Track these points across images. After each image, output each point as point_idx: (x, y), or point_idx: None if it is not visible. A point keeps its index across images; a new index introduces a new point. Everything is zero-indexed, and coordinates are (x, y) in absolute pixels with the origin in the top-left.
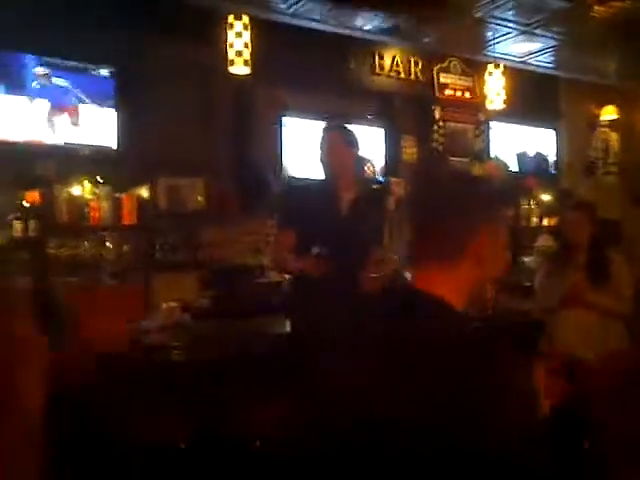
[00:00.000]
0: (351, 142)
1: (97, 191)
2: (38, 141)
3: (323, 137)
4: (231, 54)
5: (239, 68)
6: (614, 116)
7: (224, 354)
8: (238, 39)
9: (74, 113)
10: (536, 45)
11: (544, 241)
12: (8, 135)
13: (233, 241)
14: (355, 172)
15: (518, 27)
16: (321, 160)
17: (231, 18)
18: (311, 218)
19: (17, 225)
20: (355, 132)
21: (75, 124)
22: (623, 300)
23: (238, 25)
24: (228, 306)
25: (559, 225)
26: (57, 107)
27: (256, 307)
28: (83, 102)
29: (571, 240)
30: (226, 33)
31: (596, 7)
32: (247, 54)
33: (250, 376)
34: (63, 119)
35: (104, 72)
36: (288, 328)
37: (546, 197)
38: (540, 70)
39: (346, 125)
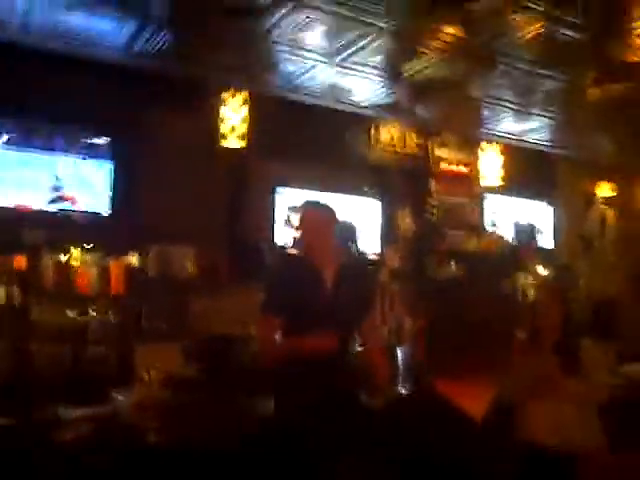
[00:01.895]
0: (327, 218)
1: (86, 258)
2: (28, 207)
3: (299, 216)
4: (223, 128)
5: (232, 142)
6: (610, 193)
7: (204, 439)
8: (233, 114)
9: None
10: (532, 124)
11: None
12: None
13: (222, 311)
14: (333, 246)
15: (514, 106)
16: (300, 238)
17: (225, 95)
18: (294, 295)
19: (1, 291)
20: (332, 207)
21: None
22: (596, 388)
23: (232, 101)
24: (214, 379)
25: (532, 307)
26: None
27: (244, 380)
28: (77, 168)
29: (542, 323)
30: (219, 108)
31: (591, 90)
32: (242, 129)
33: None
34: (57, 189)
35: (99, 141)
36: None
37: (542, 271)
38: (536, 147)
39: (321, 202)
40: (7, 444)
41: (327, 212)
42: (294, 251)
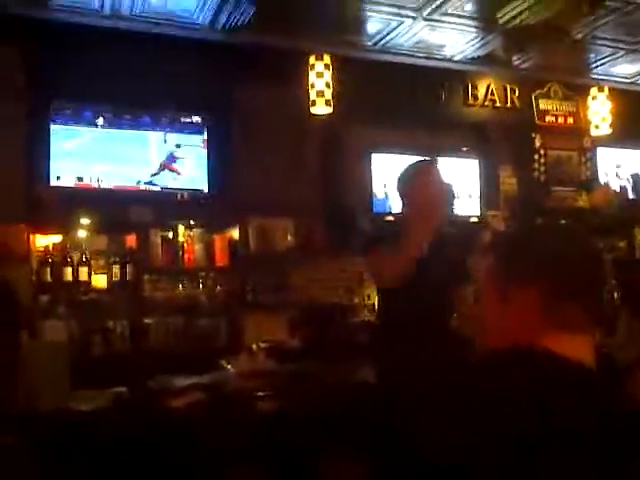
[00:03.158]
0: (440, 179)
1: (190, 234)
2: (136, 187)
3: (414, 173)
4: (313, 95)
5: (321, 108)
6: None
7: (309, 405)
8: (319, 79)
9: (171, 160)
10: None
11: None
12: (108, 182)
13: (324, 280)
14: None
15: (625, 46)
16: (405, 196)
17: (312, 59)
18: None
19: (116, 269)
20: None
21: (171, 171)
22: None
23: (319, 65)
24: (318, 347)
25: None
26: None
27: (347, 348)
28: (178, 148)
29: None
30: (307, 75)
31: None
32: (329, 94)
33: (335, 429)
34: (161, 167)
35: (195, 119)
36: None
37: None
38: None
39: (433, 162)
40: (123, 412)
41: (441, 173)
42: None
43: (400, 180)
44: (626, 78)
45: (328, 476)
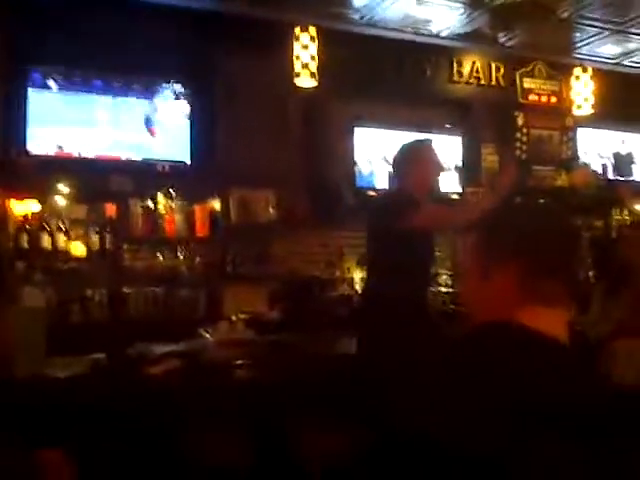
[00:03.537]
0: (437, 157)
1: (171, 204)
2: (116, 156)
3: (409, 151)
4: (297, 66)
5: (305, 80)
6: None
7: (288, 374)
8: (304, 51)
9: (151, 130)
10: (630, 45)
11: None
12: (89, 151)
13: (305, 253)
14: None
15: (610, 27)
16: (404, 172)
17: (297, 30)
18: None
19: (95, 238)
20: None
21: (151, 140)
22: None
23: (304, 37)
24: (298, 320)
25: (617, 244)
26: (136, 123)
27: (327, 320)
28: (158, 118)
29: (627, 260)
30: (292, 48)
31: None
32: (313, 66)
33: (313, 398)
34: (141, 135)
35: (178, 88)
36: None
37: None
38: (636, 72)
39: (427, 140)
40: (100, 379)
41: (436, 152)
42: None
43: (400, 156)
44: (611, 59)
45: (306, 445)
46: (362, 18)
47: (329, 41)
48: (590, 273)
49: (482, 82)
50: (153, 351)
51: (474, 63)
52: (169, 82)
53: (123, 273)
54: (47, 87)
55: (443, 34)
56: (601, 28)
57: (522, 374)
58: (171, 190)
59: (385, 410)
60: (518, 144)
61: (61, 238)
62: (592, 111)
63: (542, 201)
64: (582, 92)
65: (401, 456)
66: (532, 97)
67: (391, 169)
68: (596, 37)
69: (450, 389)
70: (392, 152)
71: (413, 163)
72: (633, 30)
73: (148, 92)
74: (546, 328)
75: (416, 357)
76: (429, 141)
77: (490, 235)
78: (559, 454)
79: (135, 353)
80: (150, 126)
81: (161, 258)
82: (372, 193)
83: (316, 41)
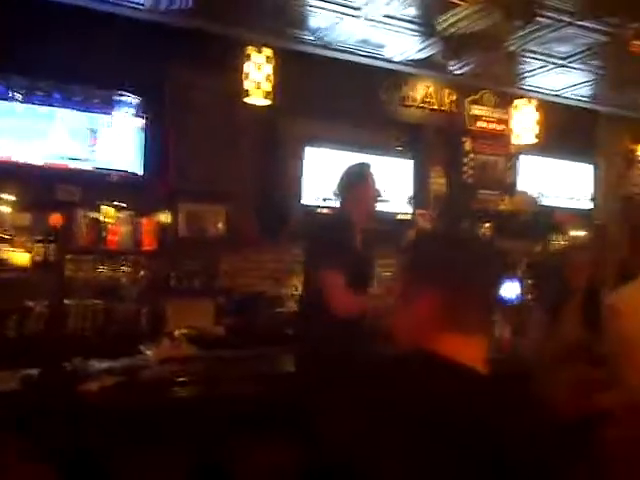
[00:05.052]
0: (374, 183)
1: (119, 215)
2: (64, 165)
3: (348, 175)
4: (248, 85)
5: (256, 99)
6: None
7: (228, 391)
8: (256, 70)
9: (102, 140)
10: (572, 79)
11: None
12: (37, 159)
13: (253, 269)
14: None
15: (553, 61)
16: (343, 196)
17: (250, 50)
18: (341, 254)
19: (38, 248)
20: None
21: (102, 150)
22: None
23: (257, 56)
24: (243, 336)
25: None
26: (86, 133)
27: (273, 337)
28: (110, 128)
29: (572, 282)
30: (246, 65)
31: (634, 42)
32: (266, 85)
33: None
34: (91, 145)
35: (131, 100)
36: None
37: (577, 233)
38: (576, 103)
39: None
40: (35, 392)
41: (371, 177)
42: (336, 210)
43: (340, 180)
44: (554, 91)
45: (247, 462)
46: (317, 40)
47: (284, 60)
48: (529, 296)
49: (433, 107)
50: (90, 367)
51: (426, 89)
52: (122, 93)
53: (65, 285)
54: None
55: (396, 59)
56: (545, 62)
57: (432, 403)
58: (119, 201)
59: (317, 431)
60: (465, 168)
61: (3, 247)
62: (534, 140)
63: (464, 229)
64: (525, 121)
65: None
66: (480, 124)
67: (336, 191)
68: (540, 69)
69: (368, 416)
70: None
71: (352, 187)
72: (574, 65)
73: (100, 103)
74: (462, 356)
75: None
76: (367, 166)
77: (411, 262)
78: None
79: (71, 368)
80: (100, 136)
81: (105, 270)
82: (321, 212)
83: (269, 60)
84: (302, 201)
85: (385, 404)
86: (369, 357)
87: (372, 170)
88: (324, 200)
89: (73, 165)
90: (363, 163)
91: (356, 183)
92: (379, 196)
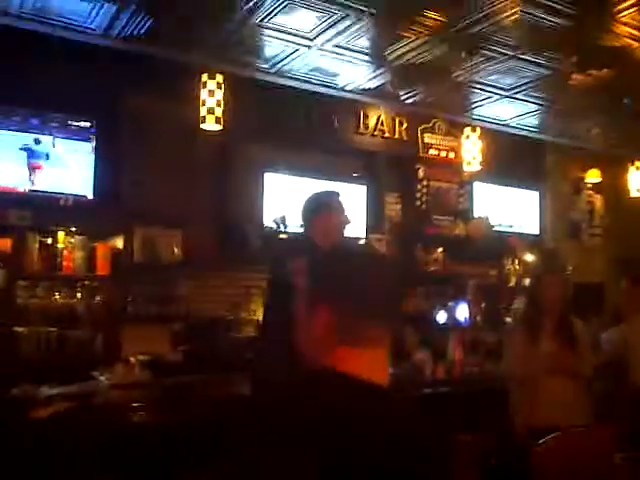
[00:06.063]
0: (343, 210)
1: (71, 240)
2: (13, 188)
3: (316, 202)
4: (203, 111)
5: (211, 125)
6: (598, 179)
7: (184, 418)
8: (210, 97)
9: (53, 163)
10: (518, 109)
11: (522, 302)
12: None
13: (210, 294)
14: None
15: (499, 92)
16: (310, 222)
17: (204, 76)
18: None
19: None
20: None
21: (52, 174)
22: (587, 363)
23: (211, 83)
24: (200, 361)
25: (533, 288)
26: (35, 156)
27: (229, 362)
28: (61, 152)
29: (546, 304)
30: (199, 90)
31: (574, 75)
32: (219, 111)
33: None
34: (41, 169)
35: (84, 125)
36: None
37: (529, 257)
38: (523, 133)
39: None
40: None
41: (340, 204)
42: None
43: (307, 206)
44: (502, 120)
45: None
46: (272, 67)
47: (240, 87)
48: (478, 318)
49: (386, 135)
50: (41, 393)
51: (379, 117)
52: (74, 117)
53: (16, 311)
54: None
55: (349, 88)
56: (491, 92)
57: (329, 419)
58: (72, 226)
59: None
60: (419, 195)
61: None
62: (480, 168)
63: (361, 248)
64: (471, 150)
65: None
66: (432, 151)
67: (300, 217)
68: (487, 100)
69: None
70: (301, 198)
71: (319, 214)
72: (519, 96)
73: (52, 126)
74: (361, 371)
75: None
76: (336, 194)
77: (311, 279)
78: None
79: (20, 394)
80: (51, 160)
81: (58, 296)
82: (279, 237)
83: (222, 87)
84: (262, 225)
85: (285, 427)
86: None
87: (340, 199)
88: (284, 225)
89: (22, 189)
90: (331, 191)
91: (324, 210)
92: (347, 223)
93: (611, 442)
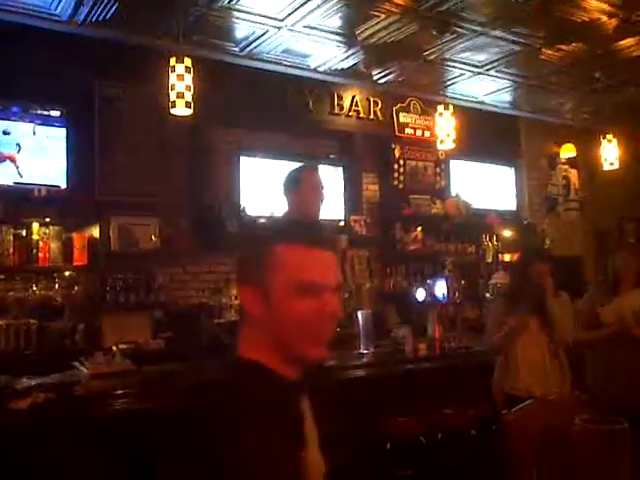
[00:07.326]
0: (320, 182)
1: (46, 231)
2: None
3: (302, 177)
4: (173, 96)
5: (181, 110)
6: (573, 154)
7: (164, 404)
8: (180, 81)
9: (23, 154)
10: (491, 86)
11: (500, 278)
12: None
13: (190, 281)
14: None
15: (471, 69)
16: (289, 197)
17: (173, 60)
18: None
19: None
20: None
21: (24, 165)
22: (567, 333)
23: (180, 67)
24: (181, 348)
25: (523, 269)
26: (5, 147)
27: (211, 349)
28: (32, 142)
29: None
30: (170, 76)
31: (544, 50)
32: (189, 96)
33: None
34: (12, 160)
35: (54, 113)
36: None
37: (507, 233)
38: (498, 110)
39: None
40: None
41: (317, 176)
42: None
43: (285, 182)
44: (476, 98)
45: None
46: (242, 50)
47: (211, 71)
48: (457, 294)
49: (362, 115)
50: (19, 384)
51: (354, 97)
52: (44, 106)
53: None
54: None
55: (321, 69)
56: (462, 70)
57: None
58: (47, 217)
59: None
60: (396, 174)
61: None
62: (454, 145)
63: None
64: (444, 128)
65: None
66: (408, 131)
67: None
68: (460, 77)
69: None
70: (278, 180)
71: (297, 188)
72: (491, 73)
73: (23, 115)
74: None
75: None
76: (313, 166)
77: (239, 259)
78: None
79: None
80: (21, 150)
81: (36, 288)
82: (257, 221)
83: (192, 71)
84: (239, 210)
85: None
86: None
87: (316, 171)
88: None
89: None
90: (308, 164)
91: (301, 183)
92: (323, 197)
93: (585, 411)
